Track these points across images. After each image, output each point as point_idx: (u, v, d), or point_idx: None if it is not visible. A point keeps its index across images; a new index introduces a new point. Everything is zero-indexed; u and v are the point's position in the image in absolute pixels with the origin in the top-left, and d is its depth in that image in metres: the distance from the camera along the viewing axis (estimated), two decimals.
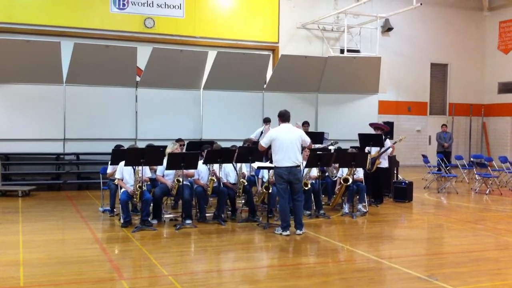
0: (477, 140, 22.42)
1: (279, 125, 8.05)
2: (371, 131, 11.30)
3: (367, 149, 10.66)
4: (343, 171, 9.85)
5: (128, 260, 6.56)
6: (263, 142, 7.95)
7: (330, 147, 11.45)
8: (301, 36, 19.61)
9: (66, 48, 13.14)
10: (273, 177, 8.97)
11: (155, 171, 8.91)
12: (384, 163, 10.80)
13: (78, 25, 16.53)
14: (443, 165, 15.02)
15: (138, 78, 14.15)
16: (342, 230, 8.49)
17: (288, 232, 7.77)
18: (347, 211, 9.63)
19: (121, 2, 17.05)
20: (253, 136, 12.68)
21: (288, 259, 6.78)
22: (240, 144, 10.56)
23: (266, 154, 9.64)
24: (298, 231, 7.84)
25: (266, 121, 12.84)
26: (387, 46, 20.18)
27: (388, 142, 10.83)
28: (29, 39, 13.24)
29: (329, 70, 15.10)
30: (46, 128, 13.01)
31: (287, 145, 7.70)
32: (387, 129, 11.37)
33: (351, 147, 11.14)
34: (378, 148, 10.70)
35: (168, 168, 8.38)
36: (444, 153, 15.89)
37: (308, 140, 8.05)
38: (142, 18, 17.29)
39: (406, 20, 20.40)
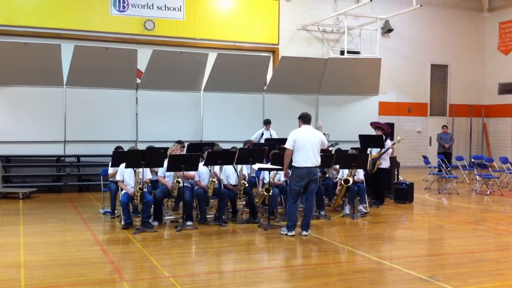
0: (477, 141, 22.42)
1: (299, 126, 8.07)
2: (372, 132, 11.29)
3: (368, 150, 10.67)
4: (344, 172, 9.85)
5: (129, 261, 6.56)
6: (288, 144, 7.87)
7: (330, 148, 11.44)
8: (301, 38, 19.63)
9: (67, 50, 13.15)
10: (275, 179, 9.01)
11: (156, 173, 8.91)
12: (384, 163, 10.79)
13: (78, 28, 16.54)
14: (443, 166, 15.02)
15: (138, 80, 14.15)
16: (343, 231, 8.50)
17: (293, 233, 7.79)
18: (348, 212, 9.63)
19: (121, 5, 17.07)
20: (254, 137, 12.70)
21: (289, 260, 6.78)
22: (240, 145, 10.56)
23: (267, 155, 9.64)
24: (304, 233, 7.85)
25: (266, 122, 12.86)
26: (387, 48, 20.20)
27: (388, 143, 10.84)
28: (29, 41, 13.24)
29: (329, 72, 15.11)
30: (46, 130, 13.01)
31: (309, 146, 7.74)
32: (387, 130, 11.37)
33: (351, 148, 11.14)
34: (378, 149, 10.71)
35: (169, 170, 8.39)
36: (445, 154, 15.88)
37: (326, 142, 8.21)
38: (142, 20, 17.31)
39: (406, 22, 20.42)
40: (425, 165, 14.94)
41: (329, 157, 9.42)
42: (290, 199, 7.96)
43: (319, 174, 8.24)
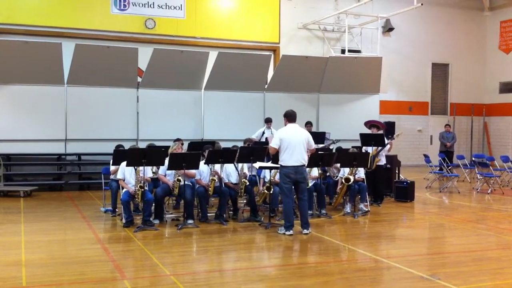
0: (478, 139, 22.41)
1: (285, 125, 8.05)
2: (369, 131, 11.25)
3: (364, 149, 10.66)
4: (345, 171, 9.85)
5: (130, 260, 6.57)
6: (274, 143, 7.86)
7: (331, 146, 11.44)
8: (302, 37, 19.62)
9: (67, 49, 13.16)
10: (275, 177, 9.01)
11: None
12: (382, 160, 10.79)
13: (79, 26, 16.56)
14: (444, 164, 15.01)
15: (139, 79, 14.16)
16: (344, 230, 8.50)
17: (291, 232, 7.77)
18: (349, 211, 9.63)
19: (122, 3, 17.07)
20: (255, 136, 12.69)
21: (290, 259, 6.78)
22: (241, 144, 10.56)
23: (267, 154, 9.63)
24: (305, 231, 7.84)
25: (268, 121, 12.86)
26: (388, 46, 20.19)
27: (384, 140, 10.82)
28: (30, 40, 13.24)
29: (330, 71, 15.11)
30: (47, 128, 13.02)
31: (295, 145, 7.72)
32: (383, 126, 11.34)
33: (352, 147, 11.13)
34: (376, 147, 10.67)
35: (170, 168, 8.39)
36: (447, 153, 15.85)
37: (313, 144, 8.06)
38: (143, 19, 17.31)
39: (407, 20, 20.40)
40: (426, 164, 14.93)
41: (330, 155, 9.42)
42: (284, 199, 7.94)
43: (307, 173, 8.19)
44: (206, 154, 8.72)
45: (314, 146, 8.14)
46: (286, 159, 7.73)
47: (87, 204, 10.66)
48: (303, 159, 7.80)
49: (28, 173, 13.17)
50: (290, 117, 8.00)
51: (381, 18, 19.56)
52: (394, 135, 11.33)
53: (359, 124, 13.46)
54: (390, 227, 8.96)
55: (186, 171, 8.37)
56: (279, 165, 8.43)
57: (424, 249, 7.53)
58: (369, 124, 11.29)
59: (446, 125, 17.48)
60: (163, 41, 17.25)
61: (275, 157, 8.79)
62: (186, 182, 8.44)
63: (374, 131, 11.00)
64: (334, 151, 10.71)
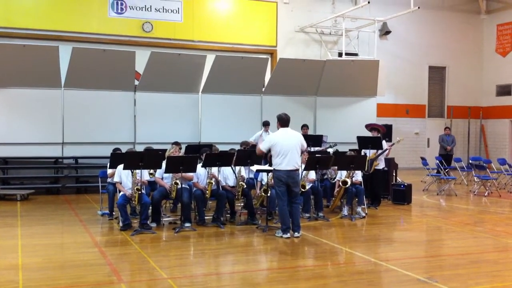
0: (475, 142, 22.45)
1: (278, 129, 8.06)
2: (368, 134, 11.27)
3: (362, 152, 10.66)
4: (342, 174, 9.86)
5: (127, 263, 6.56)
6: (263, 147, 7.91)
7: (329, 150, 11.45)
8: (299, 40, 19.65)
9: (65, 52, 13.16)
10: (272, 180, 9.00)
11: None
12: (381, 164, 10.81)
13: (76, 30, 16.54)
14: (441, 167, 15.03)
15: (136, 82, 14.15)
16: (341, 233, 8.50)
17: (288, 235, 7.77)
18: (346, 214, 9.64)
19: (119, 7, 17.08)
20: (252, 139, 12.69)
21: (287, 262, 6.77)
22: (238, 147, 10.56)
23: (265, 157, 9.64)
24: (296, 234, 7.85)
25: (266, 124, 12.87)
26: (385, 50, 20.23)
27: (384, 144, 10.82)
28: (28, 43, 13.23)
29: (327, 74, 15.13)
30: (44, 132, 13.00)
31: (287, 150, 7.73)
32: (383, 130, 11.35)
33: (349, 150, 11.14)
34: (374, 150, 10.68)
35: (167, 171, 8.39)
36: (446, 156, 15.83)
37: (305, 145, 8.10)
38: (140, 22, 17.32)
39: (403, 24, 20.45)
40: (423, 167, 14.95)
41: (327, 158, 9.43)
42: (279, 202, 7.95)
43: (300, 177, 8.20)
44: (203, 157, 8.72)
45: (305, 146, 8.18)
46: (279, 163, 7.77)
47: (84, 208, 10.64)
48: (296, 164, 7.82)
49: (25, 177, 13.13)
50: (282, 121, 8.00)
51: (378, 21, 19.60)
52: (395, 141, 11.31)
53: (356, 127, 13.49)
54: (388, 229, 8.96)
55: (183, 174, 8.36)
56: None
57: (422, 252, 7.54)
58: (370, 127, 11.31)
59: (446, 128, 17.41)
60: (160, 44, 17.27)
61: (272, 160, 8.80)
62: (183, 185, 8.43)
63: (374, 134, 11.02)
64: (331, 154, 10.71)
